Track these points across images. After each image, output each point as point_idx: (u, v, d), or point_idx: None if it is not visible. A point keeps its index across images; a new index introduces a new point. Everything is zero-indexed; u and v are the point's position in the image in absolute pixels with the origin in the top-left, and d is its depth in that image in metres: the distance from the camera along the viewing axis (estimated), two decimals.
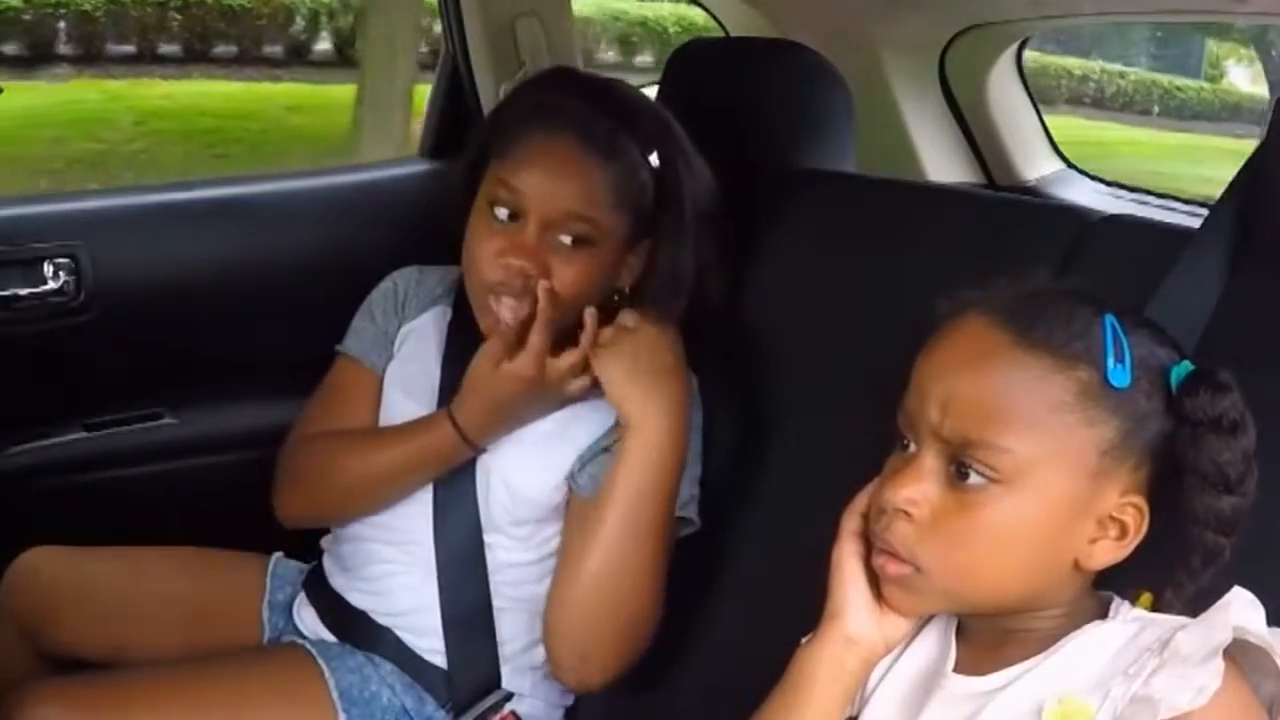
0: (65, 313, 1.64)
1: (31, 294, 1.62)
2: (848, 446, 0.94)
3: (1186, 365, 0.83)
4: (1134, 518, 0.82)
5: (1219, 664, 0.73)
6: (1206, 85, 6.78)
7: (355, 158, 5.10)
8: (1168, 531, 0.83)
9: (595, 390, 1.21)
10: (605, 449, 1.23)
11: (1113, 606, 0.84)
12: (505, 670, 1.28)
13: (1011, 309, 0.83)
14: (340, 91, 5.61)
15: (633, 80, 1.44)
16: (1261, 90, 6.08)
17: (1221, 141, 5.97)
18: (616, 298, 1.27)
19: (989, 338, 0.82)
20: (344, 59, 6.31)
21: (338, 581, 1.35)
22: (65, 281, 1.63)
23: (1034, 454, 0.80)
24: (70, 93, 6.00)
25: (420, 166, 1.96)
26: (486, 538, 1.27)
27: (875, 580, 0.87)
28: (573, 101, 1.24)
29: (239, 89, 6.21)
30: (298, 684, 1.25)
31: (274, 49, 6.56)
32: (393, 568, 1.30)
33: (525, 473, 1.25)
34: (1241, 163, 1.04)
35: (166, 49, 6.34)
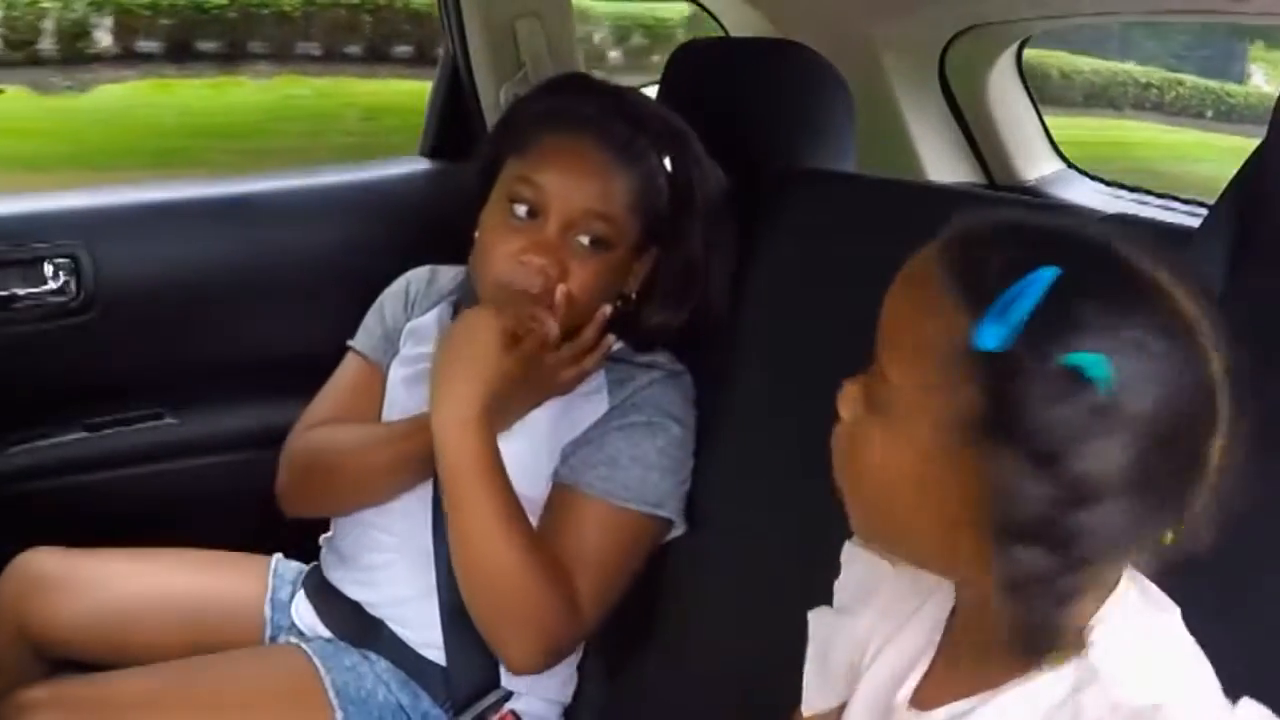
0: (65, 313, 1.64)
1: (31, 294, 1.62)
2: None
3: (1088, 358, 0.63)
4: None
5: None
6: (1251, 90, 6.85)
7: None
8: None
9: (584, 384, 1.23)
10: (589, 441, 1.24)
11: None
12: (501, 667, 1.28)
13: (973, 234, 0.71)
14: None
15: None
16: None
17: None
18: (620, 303, 1.28)
19: (927, 260, 0.72)
20: None
21: (334, 575, 1.36)
22: (65, 281, 1.63)
23: (907, 396, 0.70)
24: (278, 88, 6.16)
25: (420, 166, 1.96)
26: None
27: None
28: (591, 105, 1.26)
29: (419, 87, 6.42)
30: (295, 684, 1.25)
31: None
32: (389, 556, 1.31)
33: (517, 469, 1.26)
34: None
35: (352, 49, 6.59)
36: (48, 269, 1.62)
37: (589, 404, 1.25)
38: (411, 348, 1.37)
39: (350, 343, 1.41)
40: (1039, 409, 0.63)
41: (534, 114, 1.29)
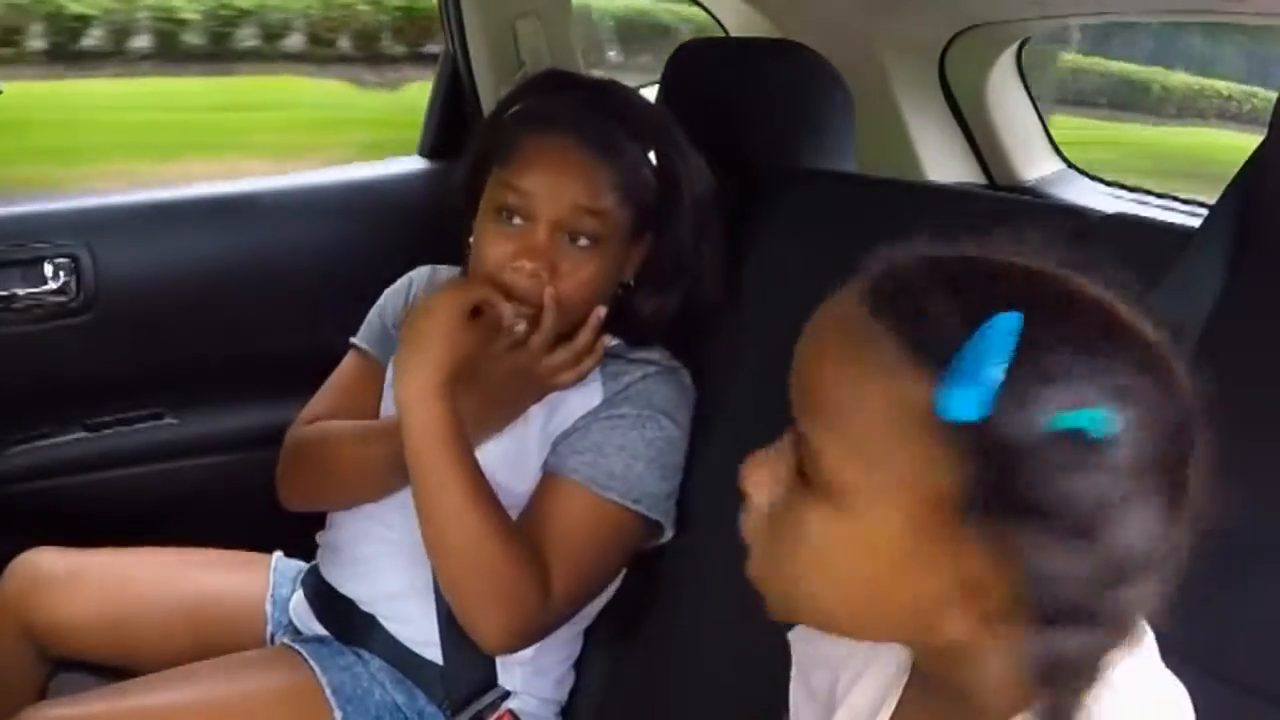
0: (65, 313, 1.64)
1: (31, 294, 1.62)
2: None
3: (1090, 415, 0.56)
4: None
5: None
6: None
7: None
8: None
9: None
10: (577, 429, 1.24)
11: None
12: (496, 666, 1.28)
13: (904, 276, 0.62)
14: None
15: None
16: None
17: None
18: (620, 290, 1.28)
19: (851, 308, 0.63)
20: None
21: (329, 570, 1.36)
22: (65, 281, 1.63)
23: (860, 474, 0.61)
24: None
25: (420, 166, 1.96)
26: None
27: None
28: (568, 103, 1.25)
29: None
30: (293, 685, 1.25)
31: None
32: (383, 548, 1.30)
33: (508, 467, 1.26)
34: None
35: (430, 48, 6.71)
36: (48, 269, 1.63)
37: (581, 398, 1.25)
38: None
39: (353, 339, 1.41)
40: (1056, 481, 0.56)
41: (512, 118, 1.28)
